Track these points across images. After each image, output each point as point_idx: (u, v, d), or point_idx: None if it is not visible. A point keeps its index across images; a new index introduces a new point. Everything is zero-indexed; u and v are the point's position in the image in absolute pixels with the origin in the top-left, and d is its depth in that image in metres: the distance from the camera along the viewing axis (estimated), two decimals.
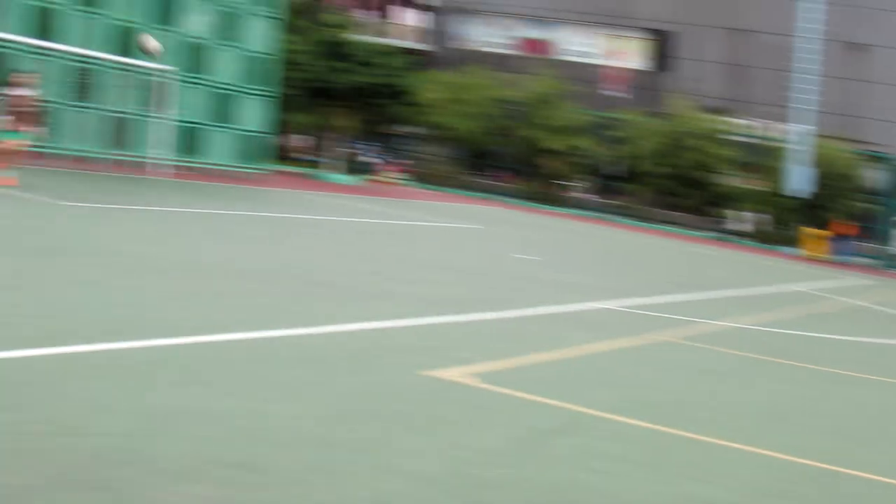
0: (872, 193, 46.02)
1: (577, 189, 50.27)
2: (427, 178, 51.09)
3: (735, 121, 49.73)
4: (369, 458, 6.09)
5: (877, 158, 46.43)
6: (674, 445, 7.58)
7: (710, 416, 8.70)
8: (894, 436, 9.05)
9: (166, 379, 7.07)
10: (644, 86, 59.31)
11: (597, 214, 46.69)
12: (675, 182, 46.06)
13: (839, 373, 12.24)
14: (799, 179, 41.30)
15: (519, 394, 8.22)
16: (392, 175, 47.03)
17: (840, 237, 41.38)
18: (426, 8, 65.10)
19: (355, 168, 47.32)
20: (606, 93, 56.14)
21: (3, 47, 24.33)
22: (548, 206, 46.73)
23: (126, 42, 27.15)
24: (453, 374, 8.48)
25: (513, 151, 50.50)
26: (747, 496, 6.57)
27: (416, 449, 6.41)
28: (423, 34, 64.76)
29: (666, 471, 6.84)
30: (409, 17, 65.89)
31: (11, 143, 17.11)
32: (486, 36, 63.96)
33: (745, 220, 46.38)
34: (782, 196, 42.36)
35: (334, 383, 7.68)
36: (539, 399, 8.18)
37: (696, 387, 10.03)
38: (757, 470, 7.25)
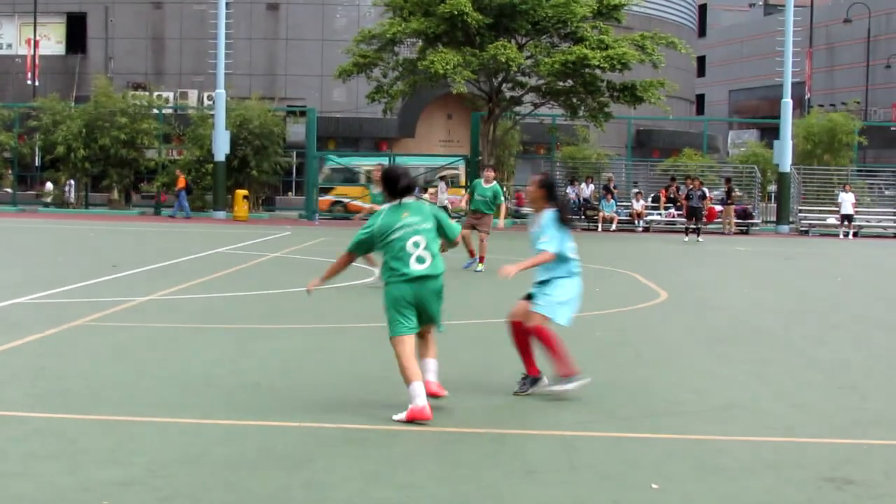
0: (296, 147, 47.86)
1: (3, 185, 48.21)
2: None
3: (158, 94, 49.64)
4: None
5: (297, 113, 48.28)
6: (88, 432, 7.50)
7: (125, 395, 8.65)
8: (304, 383, 9.50)
9: None
10: (61, 71, 58.02)
11: (23, 208, 44.83)
12: (102, 164, 45.01)
13: (262, 328, 12.65)
14: (222, 143, 41.94)
15: None
16: None
17: (181, 190, 42.33)
18: None
19: None
20: (29, 83, 53.92)
21: None
22: None
23: None
24: None
25: None
26: (162, 469, 6.63)
27: None
28: None
29: (80, 460, 6.75)
30: None
31: None
32: None
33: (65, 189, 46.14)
34: (209, 162, 42.84)
35: None
36: None
37: (110, 368, 9.86)
38: (175, 439, 7.34)
